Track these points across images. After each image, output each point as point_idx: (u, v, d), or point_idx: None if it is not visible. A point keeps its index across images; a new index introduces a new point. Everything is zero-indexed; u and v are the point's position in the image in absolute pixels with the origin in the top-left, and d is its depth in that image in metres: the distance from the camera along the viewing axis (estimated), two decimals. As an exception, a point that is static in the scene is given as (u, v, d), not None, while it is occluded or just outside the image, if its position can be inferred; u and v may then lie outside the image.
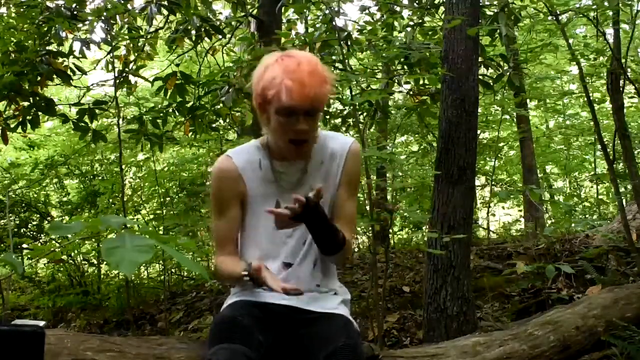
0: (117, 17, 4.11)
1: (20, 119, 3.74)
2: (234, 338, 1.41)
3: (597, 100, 5.63)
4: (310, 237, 1.63)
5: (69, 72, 3.83)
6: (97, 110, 3.89)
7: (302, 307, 1.57)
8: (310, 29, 4.56)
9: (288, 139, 1.55)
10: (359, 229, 5.39)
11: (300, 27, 5.34)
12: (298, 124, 1.51)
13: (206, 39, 4.44)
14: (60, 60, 3.78)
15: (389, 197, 6.12)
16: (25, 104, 3.70)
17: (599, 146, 4.15)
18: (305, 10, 4.18)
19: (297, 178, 1.66)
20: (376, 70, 4.61)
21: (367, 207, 2.93)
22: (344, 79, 3.01)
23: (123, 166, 4.17)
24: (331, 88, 1.57)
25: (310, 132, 1.55)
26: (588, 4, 4.80)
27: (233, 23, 5.03)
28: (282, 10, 4.89)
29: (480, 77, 3.69)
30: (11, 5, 4.10)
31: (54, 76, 3.71)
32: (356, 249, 5.85)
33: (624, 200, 4.17)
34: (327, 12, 3.64)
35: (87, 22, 3.90)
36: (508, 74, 3.88)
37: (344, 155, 1.67)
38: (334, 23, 3.52)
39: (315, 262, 1.65)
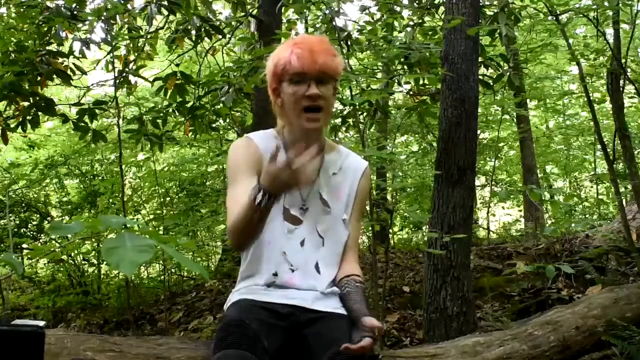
0: (117, 17, 4.11)
1: (20, 119, 3.74)
2: (241, 343, 1.40)
3: (597, 100, 5.63)
4: (309, 239, 1.64)
5: (69, 72, 3.83)
6: (97, 110, 3.89)
7: (306, 307, 1.56)
8: (310, 29, 4.57)
9: (301, 108, 1.55)
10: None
11: (300, 27, 5.35)
12: (310, 89, 1.53)
13: (206, 39, 4.44)
14: (60, 60, 3.78)
15: (389, 197, 6.12)
16: (25, 104, 3.70)
17: (599, 146, 4.15)
18: (305, 10, 4.17)
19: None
20: (376, 70, 4.61)
21: (367, 207, 2.93)
22: (344, 79, 3.01)
23: (123, 166, 4.17)
24: (341, 64, 1.60)
25: (323, 100, 1.55)
26: (588, 4, 4.81)
27: (233, 23, 5.03)
28: (282, 10, 4.89)
29: (480, 77, 3.69)
30: (11, 5, 4.10)
31: (54, 76, 3.71)
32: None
33: (624, 200, 4.17)
34: (327, 12, 3.64)
35: (87, 22, 3.90)
36: (508, 74, 3.88)
37: (358, 177, 1.70)
38: (334, 23, 3.52)
39: (317, 265, 1.64)
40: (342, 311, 1.59)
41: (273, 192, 1.40)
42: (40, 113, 3.76)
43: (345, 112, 4.18)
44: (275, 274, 1.60)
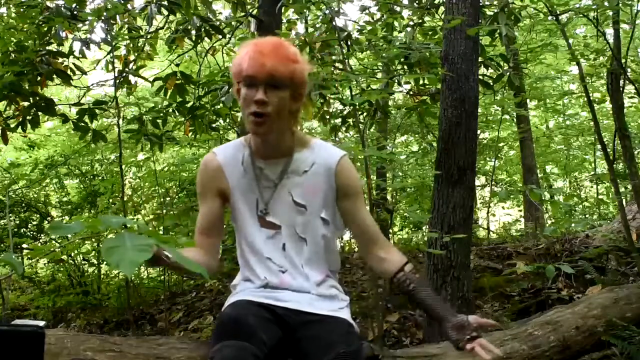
0: (117, 17, 4.10)
1: (20, 119, 3.73)
2: (238, 335, 1.41)
3: (597, 100, 5.63)
4: (289, 242, 1.63)
5: (69, 72, 3.83)
6: (97, 110, 3.89)
7: (302, 310, 1.57)
8: (310, 29, 4.56)
9: (249, 112, 1.53)
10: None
11: (300, 27, 5.34)
12: (257, 94, 1.50)
13: (206, 39, 4.44)
14: (60, 60, 3.77)
15: (389, 197, 6.12)
16: (25, 104, 3.69)
17: (599, 146, 4.15)
18: (305, 10, 4.17)
19: (276, 177, 1.64)
20: (376, 70, 4.61)
21: (368, 207, 2.93)
22: (344, 79, 3.01)
23: (123, 166, 4.16)
24: (301, 69, 1.54)
25: (270, 106, 1.51)
26: (588, 4, 4.80)
27: (233, 23, 5.02)
28: (282, 10, 4.88)
29: (480, 77, 3.69)
30: (11, 5, 4.10)
31: (54, 76, 3.70)
32: (356, 249, 5.85)
33: (624, 200, 4.17)
34: (327, 12, 3.64)
35: (87, 22, 3.89)
36: (508, 74, 3.88)
37: (333, 171, 1.64)
38: (334, 23, 3.52)
39: (304, 267, 1.64)
40: (338, 313, 1.59)
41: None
42: (40, 113, 3.76)
43: (345, 112, 4.18)
44: (265, 279, 1.62)
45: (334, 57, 3.48)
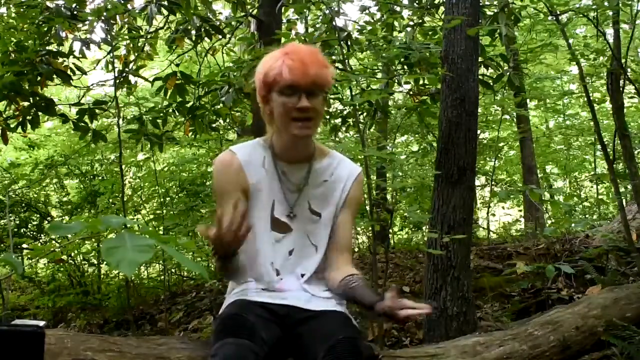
0: (117, 17, 4.10)
1: (20, 119, 3.73)
2: (239, 333, 1.41)
3: (597, 100, 5.63)
4: (299, 248, 1.65)
5: (69, 72, 3.83)
6: (97, 110, 3.89)
7: (301, 307, 1.58)
8: (310, 29, 4.57)
9: (291, 118, 1.55)
10: (358, 228, 5.41)
11: (300, 27, 5.34)
12: (300, 102, 1.52)
13: (206, 39, 4.44)
14: (60, 60, 3.78)
15: (389, 197, 6.12)
16: (25, 104, 3.69)
17: (599, 146, 4.15)
18: (305, 10, 4.18)
19: (299, 183, 1.67)
20: (376, 70, 4.60)
21: (367, 207, 2.93)
22: (344, 79, 3.01)
23: (123, 166, 4.17)
24: (332, 75, 1.59)
25: (314, 111, 1.55)
26: (588, 4, 4.80)
27: (233, 23, 5.02)
28: (282, 10, 4.89)
29: (480, 77, 3.69)
30: (11, 5, 4.10)
31: (54, 76, 3.70)
32: (356, 249, 5.86)
33: (624, 200, 4.17)
34: (327, 12, 3.64)
35: (87, 22, 3.89)
36: (508, 74, 3.88)
37: (350, 183, 1.70)
38: (334, 23, 3.52)
39: (304, 275, 1.66)
40: (337, 308, 1.60)
41: (220, 254, 1.48)
42: (40, 113, 3.76)
43: (345, 112, 4.18)
44: (267, 282, 1.63)
45: (334, 57, 3.48)
